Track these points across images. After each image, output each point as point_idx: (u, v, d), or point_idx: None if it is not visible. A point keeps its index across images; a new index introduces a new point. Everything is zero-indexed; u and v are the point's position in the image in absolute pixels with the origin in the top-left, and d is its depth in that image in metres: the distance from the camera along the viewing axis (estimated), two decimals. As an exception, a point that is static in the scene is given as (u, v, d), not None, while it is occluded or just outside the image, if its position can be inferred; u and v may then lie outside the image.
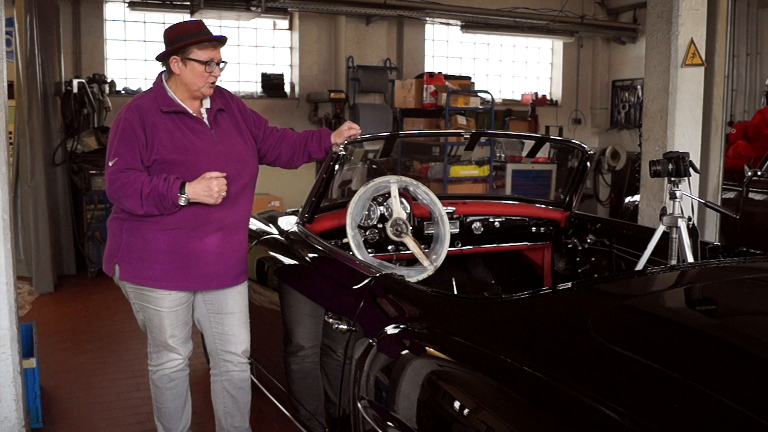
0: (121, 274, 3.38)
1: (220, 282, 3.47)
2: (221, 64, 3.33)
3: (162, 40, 3.34)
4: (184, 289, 3.41)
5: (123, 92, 9.96)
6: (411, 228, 4.15)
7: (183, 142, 3.27)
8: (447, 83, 9.98)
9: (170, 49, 3.28)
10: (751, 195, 6.92)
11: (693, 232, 3.94)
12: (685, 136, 5.78)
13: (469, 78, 11.27)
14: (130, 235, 3.33)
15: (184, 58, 3.27)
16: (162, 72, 3.40)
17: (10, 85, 6.29)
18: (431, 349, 2.54)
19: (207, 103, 3.42)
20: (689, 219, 3.94)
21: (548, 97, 13.18)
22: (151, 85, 3.41)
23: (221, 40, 3.33)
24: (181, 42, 3.26)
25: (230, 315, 3.54)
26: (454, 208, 4.47)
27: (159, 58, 3.35)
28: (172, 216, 3.24)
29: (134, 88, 10.14)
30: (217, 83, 3.46)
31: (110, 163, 3.22)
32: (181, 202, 3.18)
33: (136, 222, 3.30)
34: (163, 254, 3.31)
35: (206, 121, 3.38)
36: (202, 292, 3.49)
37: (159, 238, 3.29)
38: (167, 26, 3.42)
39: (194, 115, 3.35)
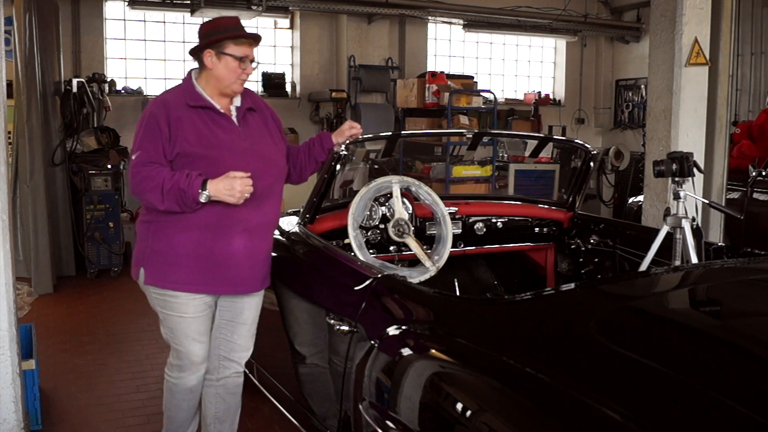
0: (146, 279, 3.31)
1: (249, 287, 3.42)
2: (253, 63, 3.32)
3: (197, 33, 3.33)
4: (209, 292, 3.34)
5: (123, 92, 9.95)
6: (413, 228, 4.13)
7: (208, 137, 3.23)
8: (449, 82, 9.93)
9: (206, 42, 3.27)
10: (755, 195, 6.88)
11: (697, 232, 3.92)
12: (689, 135, 5.76)
13: (472, 77, 11.23)
14: (156, 239, 3.28)
15: (218, 53, 3.25)
16: (192, 69, 3.39)
17: (9, 85, 6.30)
18: (433, 351, 2.53)
19: (237, 102, 3.39)
20: (693, 219, 3.91)
21: (551, 97, 13.17)
22: (181, 81, 3.40)
23: (257, 39, 3.34)
24: (217, 36, 3.24)
25: (242, 325, 3.51)
26: (456, 209, 4.45)
27: (193, 51, 3.33)
28: (197, 215, 3.19)
29: (134, 87, 10.13)
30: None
31: (133, 156, 3.20)
32: (202, 199, 3.12)
33: (161, 225, 3.25)
34: (187, 257, 3.25)
35: (234, 119, 3.35)
36: (222, 296, 3.44)
37: (184, 240, 3.23)
38: (205, 21, 3.41)
39: (222, 111, 3.32)
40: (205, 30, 3.30)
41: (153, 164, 3.15)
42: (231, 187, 3.11)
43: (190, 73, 3.38)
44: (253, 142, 3.34)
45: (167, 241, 3.25)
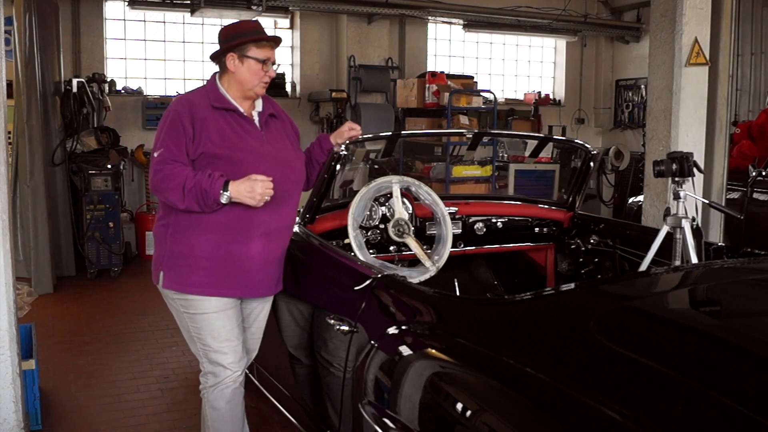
0: (165, 282, 3.29)
1: (263, 291, 3.41)
2: (275, 65, 3.34)
3: (218, 37, 3.35)
4: (227, 296, 3.30)
5: (123, 92, 9.93)
6: (413, 228, 4.13)
7: (232, 138, 3.23)
8: (449, 82, 9.92)
9: (227, 45, 3.28)
10: (755, 195, 6.89)
11: (697, 232, 3.92)
12: (689, 135, 5.77)
13: (472, 77, 11.22)
14: (174, 242, 3.26)
15: (241, 56, 3.26)
16: (215, 72, 3.39)
17: (9, 85, 6.30)
18: (433, 351, 2.52)
19: (259, 106, 3.40)
20: (693, 219, 3.91)
21: (551, 97, 13.16)
22: (204, 83, 3.41)
23: (277, 41, 3.36)
24: (240, 39, 3.26)
25: (249, 329, 3.51)
26: (456, 209, 4.45)
27: (214, 55, 3.35)
28: (216, 217, 3.18)
29: (134, 87, 10.12)
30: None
31: (155, 154, 3.19)
32: (223, 200, 3.11)
33: (180, 227, 3.24)
34: (205, 259, 3.23)
35: (257, 123, 3.36)
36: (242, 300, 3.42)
37: (203, 242, 3.21)
38: (225, 25, 3.42)
39: (245, 114, 3.33)
40: (226, 34, 3.32)
41: (175, 162, 3.15)
42: (252, 189, 3.12)
43: (214, 75, 3.39)
44: (275, 147, 3.35)
45: (185, 242, 3.23)
